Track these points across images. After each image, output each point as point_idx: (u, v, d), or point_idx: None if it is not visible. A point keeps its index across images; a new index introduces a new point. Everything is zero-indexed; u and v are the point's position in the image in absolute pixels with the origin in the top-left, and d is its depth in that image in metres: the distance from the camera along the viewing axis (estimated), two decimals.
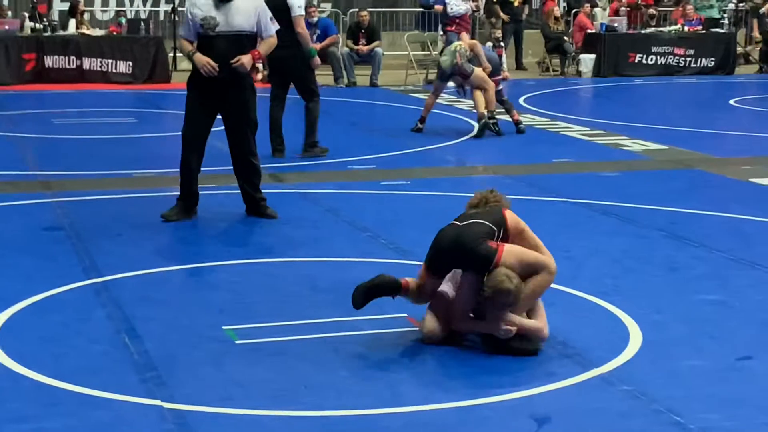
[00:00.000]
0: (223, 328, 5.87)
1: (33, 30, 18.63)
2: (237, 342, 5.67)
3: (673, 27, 22.28)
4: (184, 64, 20.64)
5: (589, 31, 21.50)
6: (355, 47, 19.21)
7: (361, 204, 9.27)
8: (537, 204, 9.29)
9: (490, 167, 11.32)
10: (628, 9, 22.63)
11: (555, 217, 8.84)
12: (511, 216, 5.74)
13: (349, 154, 11.57)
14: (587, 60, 21.02)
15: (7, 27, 18.35)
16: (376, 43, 19.57)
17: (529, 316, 5.61)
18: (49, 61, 18.23)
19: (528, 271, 5.54)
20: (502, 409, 4.89)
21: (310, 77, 11.30)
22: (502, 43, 20.14)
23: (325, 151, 11.47)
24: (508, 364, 5.41)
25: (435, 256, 5.68)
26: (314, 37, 16.97)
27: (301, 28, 11.02)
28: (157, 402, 4.85)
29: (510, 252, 5.52)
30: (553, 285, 6.54)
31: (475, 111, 13.25)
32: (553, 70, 21.43)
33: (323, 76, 16.97)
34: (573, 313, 6.20)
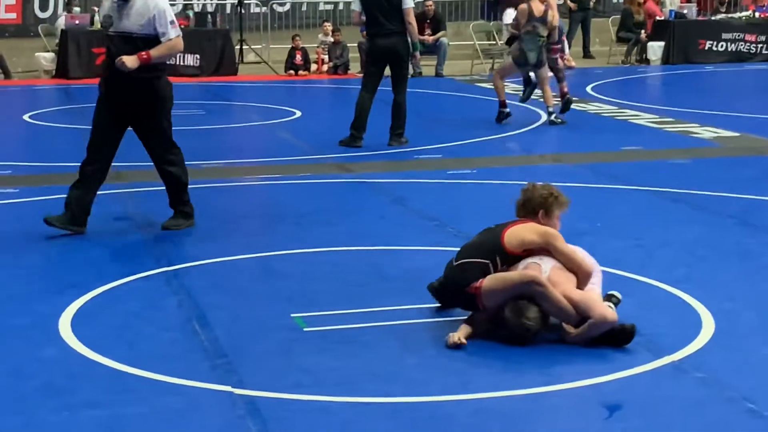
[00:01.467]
0: (292, 315, 5.89)
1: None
2: (305, 330, 5.69)
3: (744, 13, 21.93)
4: (251, 57, 20.81)
5: (658, 18, 21.24)
6: (421, 37, 19.16)
7: (427, 193, 9.26)
8: (606, 192, 9.20)
9: (558, 156, 11.23)
10: None
11: (625, 205, 8.75)
12: (513, 236, 5.61)
13: (415, 143, 11.55)
14: (656, 48, 20.77)
15: (77, 21, 18.60)
16: (442, 33, 19.53)
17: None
18: None
19: (519, 291, 5.42)
20: (573, 397, 4.85)
21: (407, 68, 11.59)
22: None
23: (407, 141, 11.56)
24: (578, 352, 5.36)
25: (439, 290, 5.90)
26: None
27: (412, 18, 11.28)
28: (228, 388, 4.89)
29: (488, 286, 5.45)
30: (624, 272, 6.50)
31: (543, 101, 13.20)
32: (637, 59, 21.11)
33: None
34: (645, 301, 6.13)
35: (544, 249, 5.60)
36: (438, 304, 5.93)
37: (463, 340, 5.36)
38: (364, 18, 11.38)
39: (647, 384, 5.00)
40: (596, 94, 16.00)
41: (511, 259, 5.57)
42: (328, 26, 20.03)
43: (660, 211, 8.53)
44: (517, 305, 5.35)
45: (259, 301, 6.22)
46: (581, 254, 5.69)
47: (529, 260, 5.57)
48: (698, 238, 7.62)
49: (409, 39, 11.35)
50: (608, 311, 5.41)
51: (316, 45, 19.90)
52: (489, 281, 5.46)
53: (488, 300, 5.45)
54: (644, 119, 13.56)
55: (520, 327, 5.35)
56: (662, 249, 7.33)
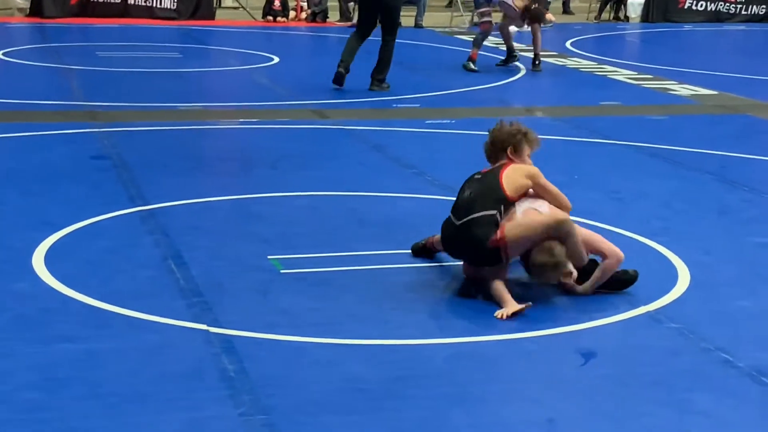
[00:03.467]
0: (269, 257, 5.87)
1: None
2: (282, 271, 5.67)
3: None
4: (228, 2, 20.60)
5: None
6: None
7: (406, 141, 9.22)
8: (584, 146, 9.20)
9: (536, 108, 11.21)
10: None
11: (603, 159, 8.76)
12: (509, 182, 5.46)
13: (394, 92, 11.49)
14: (636, 5, 20.71)
15: None
16: None
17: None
18: None
19: (547, 234, 5.34)
20: (548, 343, 4.87)
21: (397, 17, 11.62)
22: None
23: (388, 87, 11.56)
24: (554, 299, 5.38)
25: (446, 248, 5.63)
26: None
27: None
28: (204, 326, 4.86)
29: (514, 235, 5.31)
30: (601, 225, 6.50)
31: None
32: (614, 16, 21.04)
33: None
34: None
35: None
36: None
37: (522, 306, 5.18)
38: None
39: (622, 333, 5.03)
40: (575, 50, 15.96)
41: (510, 207, 5.46)
42: None
43: (637, 165, 8.53)
44: (545, 247, 5.25)
45: (235, 243, 6.18)
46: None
47: (525, 205, 5.48)
48: (675, 192, 7.64)
49: None
50: (616, 248, 5.46)
51: None
52: (514, 230, 5.29)
53: (515, 249, 5.32)
54: (623, 75, 13.54)
55: (555, 266, 5.26)
56: (639, 202, 7.35)
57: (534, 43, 13.48)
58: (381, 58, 11.54)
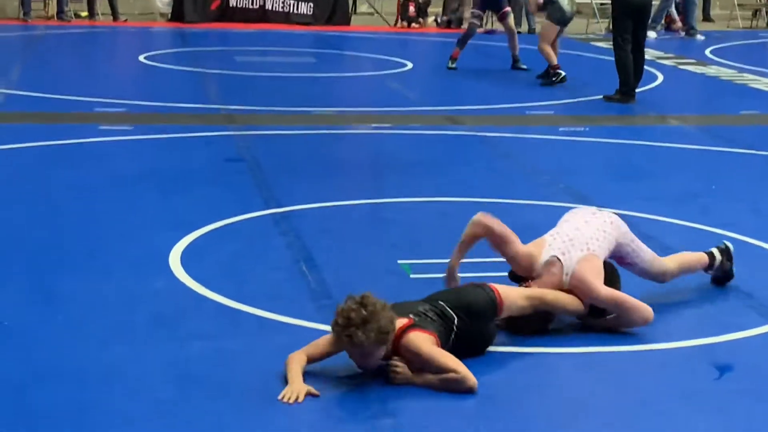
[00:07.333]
0: (399, 262, 5.89)
1: None
2: (412, 276, 5.68)
3: None
4: (364, 8, 20.77)
5: None
6: None
7: (538, 148, 9.15)
8: (723, 156, 8.99)
9: (673, 117, 10.99)
10: None
11: (742, 169, 8.54)
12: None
13: (527, 99, 11.42)
14: None
15: None
16: None
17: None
18: (233, 0, 18.60)
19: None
20: (682, 356, 4.76)
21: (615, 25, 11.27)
22: None
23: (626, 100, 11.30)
24: (688, 312, 5.27)
25: None
26: None
27: None
28: None
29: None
30: (739, 236, 6.33)
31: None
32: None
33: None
34: (758, 265, 5.97)
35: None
36: None
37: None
38: None
39: (758, 347, 4.88)
40: (715, 58, 15.61)
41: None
42: None
43: None
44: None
45: (366, 247, 6.22)
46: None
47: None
48: None
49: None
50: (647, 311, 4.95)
51: None
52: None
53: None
54: (764, 84, 13.17)
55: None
56: None
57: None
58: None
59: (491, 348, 4.73)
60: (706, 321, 5.15)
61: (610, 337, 4.91)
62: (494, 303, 4.68)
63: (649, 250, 5.32)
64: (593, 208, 5.53)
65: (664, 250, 5.92)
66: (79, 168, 7.89)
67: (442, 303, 4.61)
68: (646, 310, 4.92)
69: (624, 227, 5.26)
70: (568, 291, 4.96)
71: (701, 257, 5.52)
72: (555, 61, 12.40)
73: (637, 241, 5.28)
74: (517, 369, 4.58)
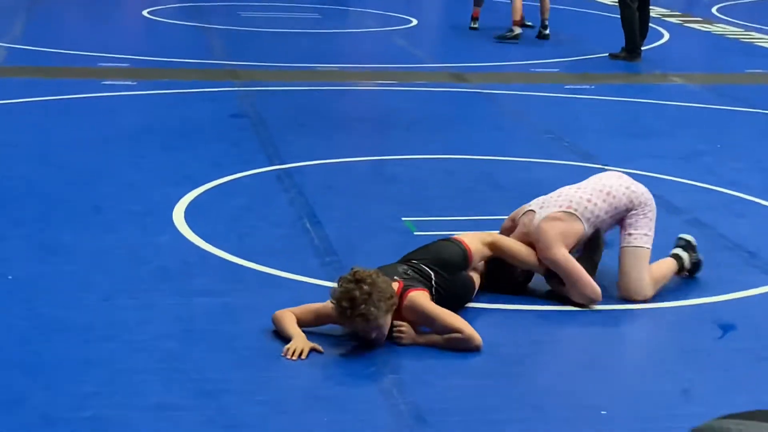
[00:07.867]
0: (403, 219, 5.88)
1: None
2: (415, 233, 5.67)
3: None
4: None
5: None
6: None
7: (544, 106, 9.11)
8: (728, 114, 8.95)
9: (679, 75, 10.93)
10: None
11: (747, 128, 8.51)
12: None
13: (533, 57, 11.36)
14: None
15: None
16: None
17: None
18: None
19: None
20: (686, 314, 4.77)
21: None
22: None
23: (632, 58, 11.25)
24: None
25: None
26: None
27: None
28: (336, 285, 4.89)
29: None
30: (745, 195, 6.32)
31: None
32: None
33: None
34: (762, 224, 5.97)
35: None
36: None
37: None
38: None
39: (761, 305, 4.89)
40: (722, 15, 15.50)
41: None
42: None
43: None
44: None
45: (370, 203, 6.22)
46: None
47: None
48: None
49: None
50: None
51: None
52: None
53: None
54: None
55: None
56: None
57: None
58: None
59: (495, 305, 4.74)
60: (710, 280, 5.14)
61: (613, 296, 4.91)
62: (465, 254, 4.72)
63: (647, 251, 4.91)
64: (620, 173, 5.20)
65: (671, 210, 5.92)
66: (82, 123, 7.88)
67: (416, 261, 4.62)
68: (594, 291, 4.69)
69: (644, 199, 4.92)
70: (531, 245, 4.88)
71: (670, 265, 5.03)
72: (518, 17, 12.23)
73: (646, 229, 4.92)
74: (521, 326, 4.59)
